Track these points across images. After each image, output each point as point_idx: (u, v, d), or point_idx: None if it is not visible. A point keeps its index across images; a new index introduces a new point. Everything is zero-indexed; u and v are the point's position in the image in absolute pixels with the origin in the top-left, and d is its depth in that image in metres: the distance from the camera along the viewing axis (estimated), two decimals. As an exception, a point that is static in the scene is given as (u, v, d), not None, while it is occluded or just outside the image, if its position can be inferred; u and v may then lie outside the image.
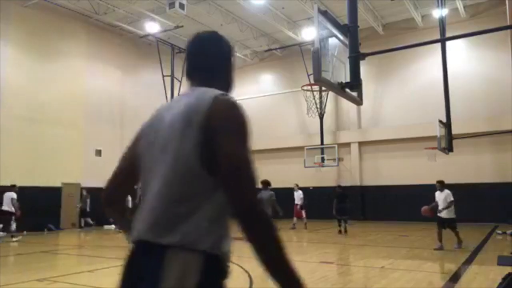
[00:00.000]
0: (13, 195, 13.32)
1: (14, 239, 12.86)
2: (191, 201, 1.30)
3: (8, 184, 15.16)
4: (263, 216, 1.28)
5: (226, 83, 1.56)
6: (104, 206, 1.61)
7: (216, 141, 1.28)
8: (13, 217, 13.22)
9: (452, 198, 9.94)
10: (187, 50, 1.56)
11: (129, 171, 1.56)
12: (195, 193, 1.30)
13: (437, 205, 10.00)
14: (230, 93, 1.50)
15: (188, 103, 1.37)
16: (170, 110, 1.43)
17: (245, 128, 1.35)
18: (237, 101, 1.39)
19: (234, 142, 1.30)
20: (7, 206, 13.08)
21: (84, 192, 17.54)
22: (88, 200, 17.38)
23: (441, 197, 10.00)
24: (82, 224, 17.64)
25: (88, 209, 17.41)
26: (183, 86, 21.95)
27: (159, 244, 1.28)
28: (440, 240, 9.88)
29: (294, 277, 1.32)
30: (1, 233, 13.16)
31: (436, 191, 10.50)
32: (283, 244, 1.29)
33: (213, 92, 1.37)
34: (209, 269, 1.29)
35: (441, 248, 9.72)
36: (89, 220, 17.62)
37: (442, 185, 10.36)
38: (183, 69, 21.70)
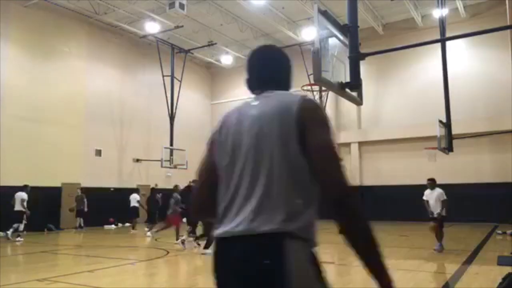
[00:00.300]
0: (24, 195, 13.56)
1: (17, 238, 12.99)
2: (303, 190, 1.38)
3: (8, 184, 15.21)
4: (357, 199, 1.38)
5: (289, 88, 1.76)
6: (195, 216, 1.68)
7: (311, 130, 1.39)
8: (24, 217, 13.47)
9: (445, 197, 9.63)
10: (256, 61, 1.75)
11: (212, 181, 1.56)
12: (303, 179, 1.39)
13: (431, 212, 9.65)
14: None
15: (276, 103, 1.49)
16: (249, 113, 1.53)
17: (330, 123, 1.47)
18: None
19: (325, 132, 1.42)
20: (19, 207, 13.41)
21: (79, 192, 17.16)
22: (85, 200, 17.00)
23: (433, 196, 9.65)
24: (77, 225, 17.09)
25: (86, 209, 16.99)
26: (183, 86, 21.98)
27: (274, 234, 1.31)
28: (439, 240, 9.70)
29: (383, 262, 1.39)
30: (9, 232, 13.27)
31: (426, 189, 10.02)
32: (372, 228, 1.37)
33: (295, 94, 1.55)
34: (314, 256, 1.42)
35: (441, 249, 9.55)
36: (81, 221, 17.11)
37: (433, 184, 9.75)
38: (183, 69, 21.79)
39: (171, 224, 12.17)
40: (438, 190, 9.67)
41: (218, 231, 1.43)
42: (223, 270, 1.42)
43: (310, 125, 1.41)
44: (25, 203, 13.46)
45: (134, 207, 16.92)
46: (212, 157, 1.58)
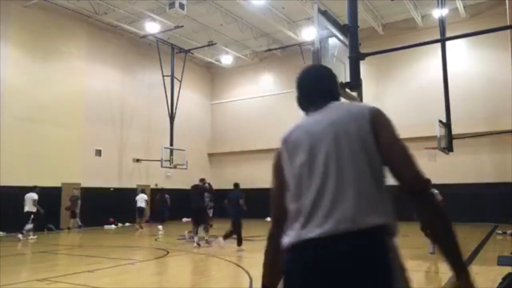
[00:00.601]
0: (34, 196, 13.91)
1: (30, 236, 13.49)
2: (385, 188, 1.51)
3: (8, 184, 15.25)
4: (431, 191, 1.50)
5: (340, 99, 1.88)
6: (277, 230, 1.64)
7: (384, 131, 1.53)
8: (32, 217, 13.73)
9: (441, 197, 9.06)
10: (314, 78, 1.90)
11: (284, 204, 1.61)
12: (382, 178, 1.52)
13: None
14: None
15: (346, 111, 1.61)
16: (317, 123, 1.63)
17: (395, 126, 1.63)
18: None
19: (396, 133, 1.58)
20: (30, 207, 13.72)
21: (75, 192, 16.98)
22: (79, 202, 16.81)
23: None
24: (70, 225, 16.88)
25: (77, 210, 16.73)
26: (183, 86, 21.98)
27: (377, 229, 1.40)
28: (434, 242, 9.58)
29: (460, 253, 1.48)
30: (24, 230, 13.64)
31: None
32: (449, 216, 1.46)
33: (360, 103, 1.74)
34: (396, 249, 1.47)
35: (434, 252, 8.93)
36: (79, 221, 16.88)
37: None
38: (183, 69, 21.79)
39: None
40: (434, 191, 9.42)
41: (309, 234, 1.42)
42: (313, 270, 1.40)
43: (382, 127, 1.54)
44: (36, 203, 13.86)
45: (141, 207, 17.14)
46: (281, 176, 1.66)
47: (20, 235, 13.38)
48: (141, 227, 16.91)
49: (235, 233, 10.78)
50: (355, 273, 1.34)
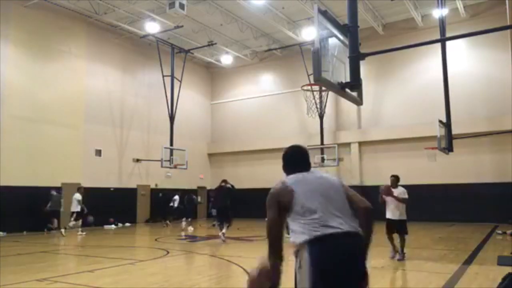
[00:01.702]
0: (78, 196, 15.08)
1: (79, 232, 15.00)
2: (352, 214, 2.57)
3: (8, 184, 15.23)
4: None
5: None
6: (278, 243, 2.51)
7: (348, 191, 2.68)
8: (74, 215, 14.95)
9: (407, 196, 8.45)
10: (301, 154, 2.92)
11: (283, 221, 2.58)
12: (351, 211, 2.60)
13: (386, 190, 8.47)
14: None
15: (328, 178, 2.74)
16: (314, 178, 2.68)
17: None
18: None
19: (357, 194, 2.70)
20: (73, 207, 14.97)
21: (54, 192, 16.19)
22: (62, 201, 16.17)
23: (395, 194, 8.41)
24: (49, 226, 16.04)
25: (62, 209, 16.06)
26: (183, 86, 21.98)
27: (357, 232, 2.47)
28: (394, 246, 8.50)
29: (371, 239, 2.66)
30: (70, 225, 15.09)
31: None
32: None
33: (329, 174, 2.87)
34: None
35: (394, 257, 8.38)
36: (54, 223, 16.11)
37: (397, 181, 8.73)
38: (183, 69, 21.79)
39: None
40: (401, 189, 8.54)
41: (329, 231, 2.39)
42: (341, 259, 2.36)
43: (347, 189, 2.70)
44: (80, 203, 15.05)
45: (179, 207, 18.83)
46: (284, 204, 2.53)
47: (62, 230, 14.70)
48: (167, 225, 18.33)
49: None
50: (355, 250, 2.49)
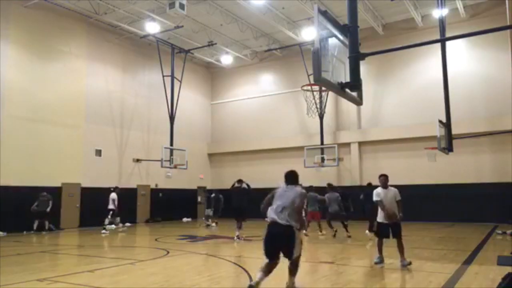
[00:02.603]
0: (114, 196, 16.57)
1: (121, 228, 17.07)
2: (294, 211, 5.40)
3: (8, 184, 15.24)
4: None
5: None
6: (264, 211, 5.57)
7: (297, 202, 5.51)
8: (112, 213, 16.57)
9: (400, 197, 7.88)
10: (290, 176, 5.70)
11: (269, 202, 5.57)
12: (295, 210, 5.43)
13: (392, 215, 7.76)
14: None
15: (296, 189, 5.53)
16: (289, 191, 5.49)
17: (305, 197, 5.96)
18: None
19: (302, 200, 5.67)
20: (111, 205, 16.50)
21: (44, 192, 15.80)
22: (50, 202, 15.80)
23: (388, 196, 7.80)
24: (35, 227, 15.66)
25: (48, 210, 15.69)
26: (183, 86, 21.99)
27: (290, 225, 5.27)
28: (382, 253, 7.94)
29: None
30: (112, 225, 16.98)
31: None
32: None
33: (299, 188, 5.60)
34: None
35: (380, 264, 7.83)
36: (47, 224, 15.91)
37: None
38: (183, 69, 21.80)
39: (313, 219, 13.83)
40: (393, 189, 7.96)
41: (273, 218, 5.36)
42: (272, 234, 5.34)
43: (299, 200, 5.49)
44: (115, 202, 16.49)
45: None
46: (272, 196, 5.59)
47: (104, 231, 15.62)
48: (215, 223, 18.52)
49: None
50: (283, 236, 5.28)
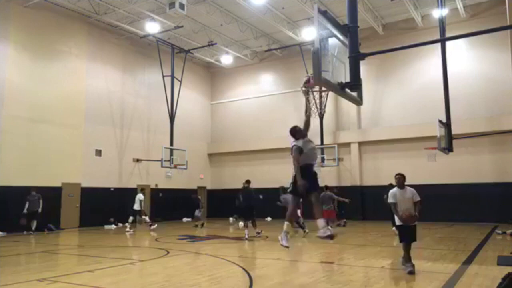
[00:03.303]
0: (141, 197, 17.04)
1: (151, 227, 17.20)
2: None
3: (8, 184, 15.25)
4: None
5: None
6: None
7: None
8: (138, 213, 17.18)
9: (419, 198, 7.40)
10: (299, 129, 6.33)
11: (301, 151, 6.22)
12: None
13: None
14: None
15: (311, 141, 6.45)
16: (311, 141, 6.30)
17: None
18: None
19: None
20: (137, 206, 16.84)
21: (33, 192, 15.52)
22: (41, 202, 15.51)
23: (405, 197, 7.25)
24: (27, 227, 15.37)
25: (40, 210, 15.43)
26: (183, 86, 22.00)
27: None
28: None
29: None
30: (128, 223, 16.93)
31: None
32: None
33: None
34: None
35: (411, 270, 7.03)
36: (22, 222, 15.21)
37: (404, 180, 7.45)
38: (183, 69, 21.80)
39: (329, 217, 13.89)
40: (411, 190, 7.40)
41: (309, 162, 6.15)
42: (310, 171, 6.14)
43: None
44: (142, 203, 16.95)
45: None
46: (302, 149, 6.07)
47: (129, 230, 16.17)
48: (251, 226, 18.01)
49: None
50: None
